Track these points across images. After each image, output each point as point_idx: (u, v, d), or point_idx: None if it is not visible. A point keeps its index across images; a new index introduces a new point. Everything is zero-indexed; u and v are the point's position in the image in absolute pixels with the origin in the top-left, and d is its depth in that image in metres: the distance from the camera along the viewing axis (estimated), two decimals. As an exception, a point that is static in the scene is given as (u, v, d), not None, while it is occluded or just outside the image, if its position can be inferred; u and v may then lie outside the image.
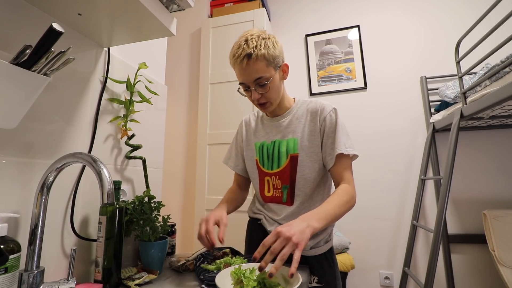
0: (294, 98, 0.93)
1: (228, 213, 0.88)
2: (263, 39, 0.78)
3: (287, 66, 0.85)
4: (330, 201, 0.72)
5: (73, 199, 0.69)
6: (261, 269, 0.56)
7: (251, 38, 0.77)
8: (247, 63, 0.76)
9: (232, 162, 1.01)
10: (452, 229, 1.67)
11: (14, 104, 0.49)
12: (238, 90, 0.84)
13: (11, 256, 0.48)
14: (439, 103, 1.70)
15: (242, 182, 1.01)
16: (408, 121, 1.88)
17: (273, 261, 0.55)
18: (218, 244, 0.74)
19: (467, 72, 1.32)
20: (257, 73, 0.77)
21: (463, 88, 1.32)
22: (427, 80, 1.86)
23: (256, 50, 0.75)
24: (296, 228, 0.58)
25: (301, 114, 0.87)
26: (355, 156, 0.82)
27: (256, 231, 0.91)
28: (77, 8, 0.61)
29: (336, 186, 0.80)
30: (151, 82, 0.96)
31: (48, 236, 0.61)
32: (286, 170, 0.84)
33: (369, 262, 1.78)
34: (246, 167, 0.97)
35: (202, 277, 0.69)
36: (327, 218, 0.66)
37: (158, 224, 0.80)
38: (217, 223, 0.77)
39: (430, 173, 1.77)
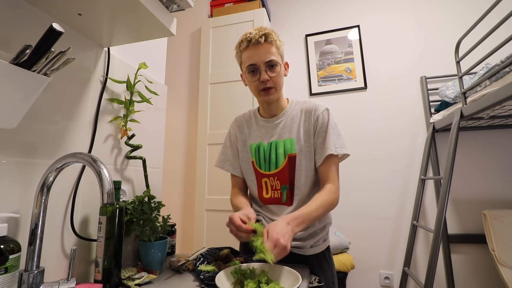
0: (287, 99, 0.95)
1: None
2: (275, 33, 0.85)
3: (288, 64, 0.91)
4: (314, 202, 0.76)
5: (73, 199, 0.69)
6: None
7: (265, 27, 0.84)
8: (264, 42, 0.81)
9: (230, 165, 0.96)
10: (452, 229, 1.67)
11: (14, 104, 0.49)
12: (241, 75, 0.89)
13: (11, 256, 0.48)
14: (439, 103, 1.70)
15: (243, 185, 0.96)
16: (408, 121, 1.87)
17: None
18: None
19: (467, 72, 1.32)
20: (270, 54, 0.82)
21: (463, 88, 1.32)
22: (427, 80, 1.86)
23: (272, 34, 0.83)
24: (282, 230, 0.65)
25: (295, 114, 0.88)
26: (345, 156, 0.85)
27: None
28: (77, 8, 0.61)
29: (322, 184, 0.83)
30: (151, 82, 0.96)
31: (48, 236, 0.61)
32: (284, 171, 0.84)
33: (369, 262, 1.78)
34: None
35: (202, 277, 0.69)
36: (308, 221, 0.73)
37: (158, 224, 0.80)
38: (244, 221, 0.71)
39: (430, 173, 1.77)
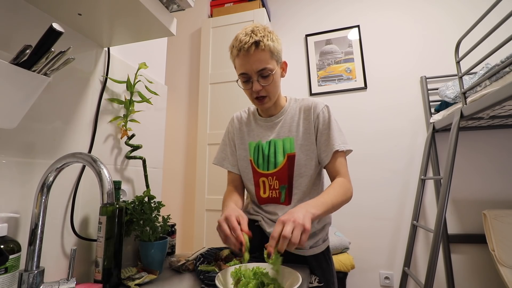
0: (285, 97, 0.93)
1: None
2: (269, 32, 0.79)
3: (286, 64, 0.86)
4: (326, 192, 0.73)
5: (73, 199, 0.69)
6: (269, 255, 0.58)
7: (257, 29, 0.77)
8: (254, 51, 0.75)
9: (229, 163, 0.95)
10: (452, 229, 1.67)
11: (14, 104, 0.49)
12: (237, 81, 0.83)
13: (11, 256, 0.48)
14: (439, 103, 1.70)
15: (240, 183, 0.95)
16: (408, 121, 1.88)
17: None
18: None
19: (467, 72, 1.32)
20: (262, 63, 0.77)
21: (463, 88, 1.32)
22: (427, 80, 1.86)
23: (264, 39, 0.76)
24: (298, 213, 0.60)
25: (294, 113, 0.87)
26: (349, 151, 0.83)
27: (253, 233, 0.90)
28: (77, 8, 0.61)
29: (332, 180, 0.81)
30: (151, 82, 0.96)
31: (48, 236, 0.61)
32: (283, 170, 0.84)
33: (369, 262, 1.78)
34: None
35: (202, 277, 0.69)
36: (324, 205, 0.67)
37: (158, 224, 0.80)
38: (238, 220, 0.66)
39: (430, 173, 1.77)
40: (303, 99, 0.89)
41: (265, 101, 0.82)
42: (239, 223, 0.66)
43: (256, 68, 0.77)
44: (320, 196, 0.72)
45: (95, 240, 0.72)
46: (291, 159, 0.83)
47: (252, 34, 0.76)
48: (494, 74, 1.10)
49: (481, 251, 1.60)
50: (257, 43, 0.75)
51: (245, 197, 1.00)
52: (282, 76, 0.86)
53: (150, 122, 1.00)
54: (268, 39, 0.76)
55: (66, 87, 0.69)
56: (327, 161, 0.81)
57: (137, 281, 0.66)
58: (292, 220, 0.58)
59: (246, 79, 0.80)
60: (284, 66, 0.85)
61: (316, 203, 0.67)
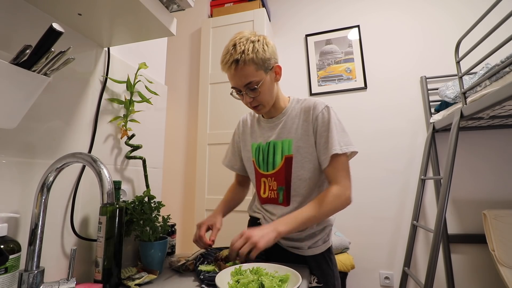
0: (289, 97, 0.92)
1: (224, 214, 0.97)
2: (252, 42, 0.76)
3: (279, 67, 0.83)
4: (309, 204, 0.76)
5: (73, 199, 0.69)
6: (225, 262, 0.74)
7: (240, 42, 0.76)
8: (235, 69, 0.76)
9: (229, 162, 1.03)
10: (452, 229, 1.67)
11: (14, 104, 0.49)
12: (231, 94, 0.84)
13: (11, 256, 0.48)
14: (439, 103, 1.70)
15: (242, 180, 1.06)
16: (408, 121, 1.87)
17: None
18: (212, 245, 0.85)
19: (467, 72, 1.32)
20: (246, 78, 0.77)
21: (463, 88, 1.32)
22: (427, 80, 1.86)
23: (243, 55, 0.74)
24: (260, 231, 0.68)
25: (295, 114, 0.86)
26: (353, 153, 0.80)
27: None
28: (77, 8, 0.61)
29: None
30: (151, 82, 0.96)
31: (48, 236, 0.61)
32: (281, 172, 0.84)
33: (369, 262, 1.78)
34: (244, 166, 0.99)
35: (202, 277, 0.69)
36: (296, 222, 0.72)
37: (158, 224, 0.80)
38: (211, 228, 0.86)
39: (430, 173, 1.77)
40: (305, 100, 0.87)
41: (259, 108, 0.84)
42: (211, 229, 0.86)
43: (241, 83, 0.78)
44: (299, 211, 0.76)
45: (95, 240, 0.72)
46: (288, 161, 0.83)
47: (232, 51, 0.76)
48: (494, 74, 1.10)
49: (481, 251, 1.60)
50: (236, 61, 0.75)
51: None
52: (277, 80, 0.84)
53: (150, 122, 1.00)
54: (250, 52, 0.75)
55: (66, 87, 0.69)
56: (326, 164, 0.78)
57: (137, 281, 0.66)
58: (247, 236, 0.67)
59: (237, 91, 0.82)
60: (277, 70, 0.83)
61: (288, 220, 0.72)
